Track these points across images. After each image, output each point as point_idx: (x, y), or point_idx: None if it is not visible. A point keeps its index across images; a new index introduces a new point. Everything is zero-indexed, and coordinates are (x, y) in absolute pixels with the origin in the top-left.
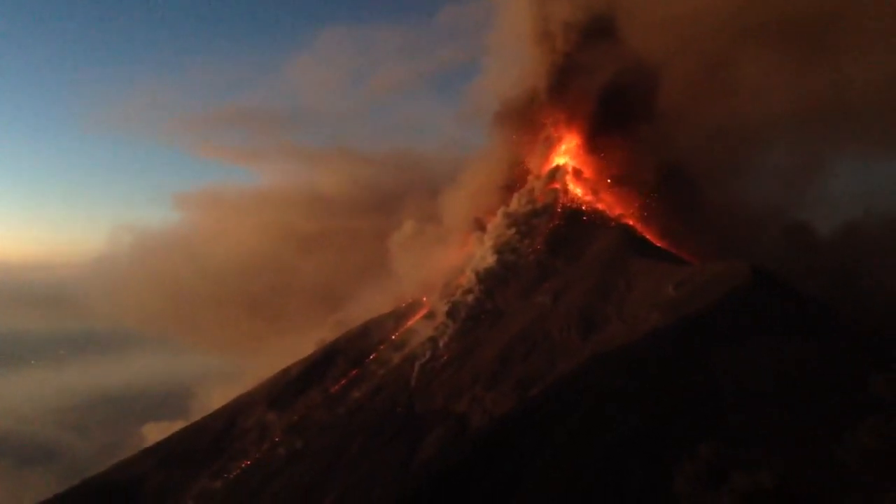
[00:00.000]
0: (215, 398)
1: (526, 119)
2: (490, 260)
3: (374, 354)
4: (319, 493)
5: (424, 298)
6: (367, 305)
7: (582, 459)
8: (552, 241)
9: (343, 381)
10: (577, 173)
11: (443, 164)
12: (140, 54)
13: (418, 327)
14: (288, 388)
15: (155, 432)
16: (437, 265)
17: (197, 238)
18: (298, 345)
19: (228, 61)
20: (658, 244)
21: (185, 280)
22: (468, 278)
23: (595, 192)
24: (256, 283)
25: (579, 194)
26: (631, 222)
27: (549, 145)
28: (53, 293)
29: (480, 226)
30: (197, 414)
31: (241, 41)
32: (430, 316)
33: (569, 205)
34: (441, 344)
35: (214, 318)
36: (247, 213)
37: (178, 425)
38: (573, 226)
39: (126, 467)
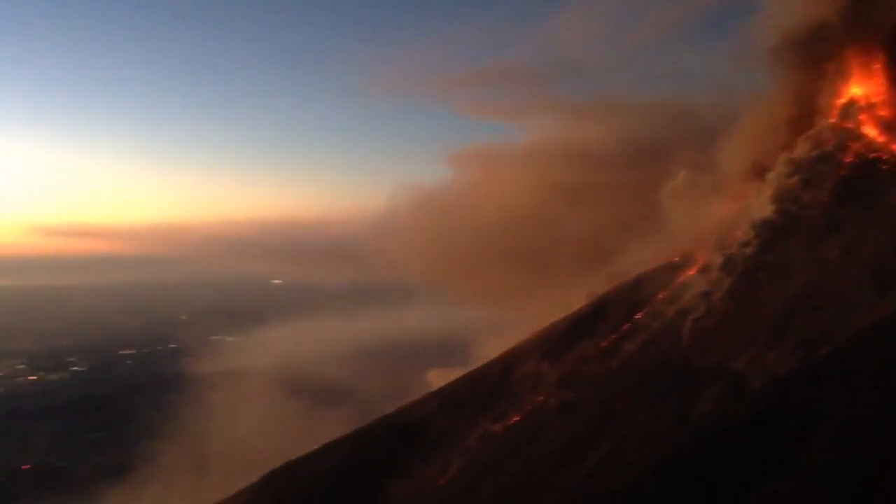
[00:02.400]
0: (490, 348)
1: (813, 52)
2: (769, 210)
3: (646, 308)
4: (591, 444)
5: (698, 251)
6: (638, 258)
7: (871, 428)
8: (841, 189)
9: (614, 335)
10: (874, 112)
11: (715, 110)
12: (407, 20)
13: (692, 281)
14: (559, 341)
15: (436, 378)
16: (711, 216)
17: (469, 194)
18: (566, 298)
19: (491, 20)
20: None
21: (459, 235)
22: (745, 230)
23: (893, 133)
24: (525, 237)
25: (874, 136)
26: None
27: (841, 81)
28: (342, 249)
29: (760, 171)
30: (474, 362)
31: None
32: (705, 270)
33: (862, 149)
34: (716, 298)
35: (487, 271)
36: (514, 169)
37: (457, 372)
38: (866, 172)
39: (412, 409)
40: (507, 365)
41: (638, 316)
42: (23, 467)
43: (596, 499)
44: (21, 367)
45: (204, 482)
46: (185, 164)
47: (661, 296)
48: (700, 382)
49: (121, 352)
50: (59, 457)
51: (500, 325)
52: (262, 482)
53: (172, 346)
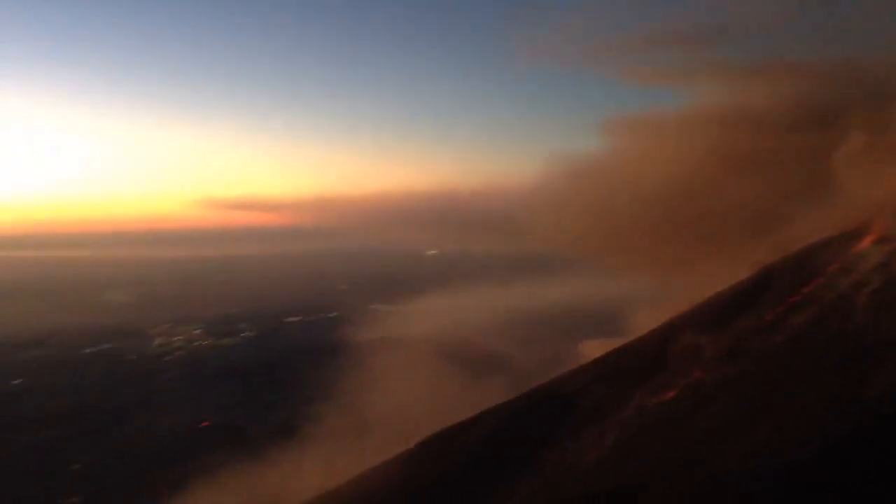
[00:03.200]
0: (645, 319)
1: None
2: None
3: (816, 280)
4: (755, 420)
5: (875, 220)
6: (807, 228)
7: None
8: None
9: (780, 308)
10: None
11: (891, 69)
12: None
13: (867, 252)
14: (721, 313)
15: (589, 349)
16: (889, 181)
17: (626, 162)
18: (728, 268)
19: None
20: None
21: (615, 205)
22: None
23: None
24: (685, 205)
25: None
26: None
27: None
28: (496, 219)
29: None
30: (629, 334)
31: None
32: (883, 239)
33: None
34: (895, 270)
35: (644, 241)
36: (674, 135)
37: (610, 344)
38: None
39: (566, 380)
40: (664, 337)
41: (807, 288)
42: (202, 424)
43: (755, 479)
44: (197, 331)
45: (365, 444)
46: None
47: (832, 267)
48: (874, 360)
49: (286, 319)
50: (234, 416)
51: (655, 297)
52: (419, 448)
53: (333, 314)
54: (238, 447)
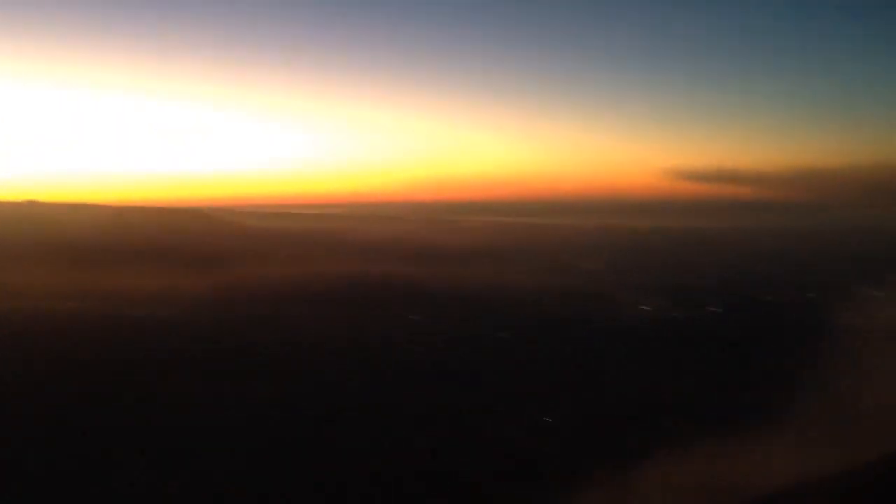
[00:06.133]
0: None
1: None
2: None
3: None
4: None
5: None
6: None
7: None
8: None
9: None
10: None
11: None
12: None
13: None
14: None
15: None
16: None
17: None
18: None
19: None
20: None
21: None
22: None
23: None
24: None
25: None
26: None
27: None
28: None
29: None
30: None
31: None
32: None
33: None
34: None
35: None
36: None
37: None
38: None
39: None
40: None
41: None
42: (660, 397)
43: None
44: (662, 302)
45: (851, 438)
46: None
47: None
48: None
49: (756, 296)
50: (695, 392)
51: None
52: None
53: (810, 294)
54: (696, 424)
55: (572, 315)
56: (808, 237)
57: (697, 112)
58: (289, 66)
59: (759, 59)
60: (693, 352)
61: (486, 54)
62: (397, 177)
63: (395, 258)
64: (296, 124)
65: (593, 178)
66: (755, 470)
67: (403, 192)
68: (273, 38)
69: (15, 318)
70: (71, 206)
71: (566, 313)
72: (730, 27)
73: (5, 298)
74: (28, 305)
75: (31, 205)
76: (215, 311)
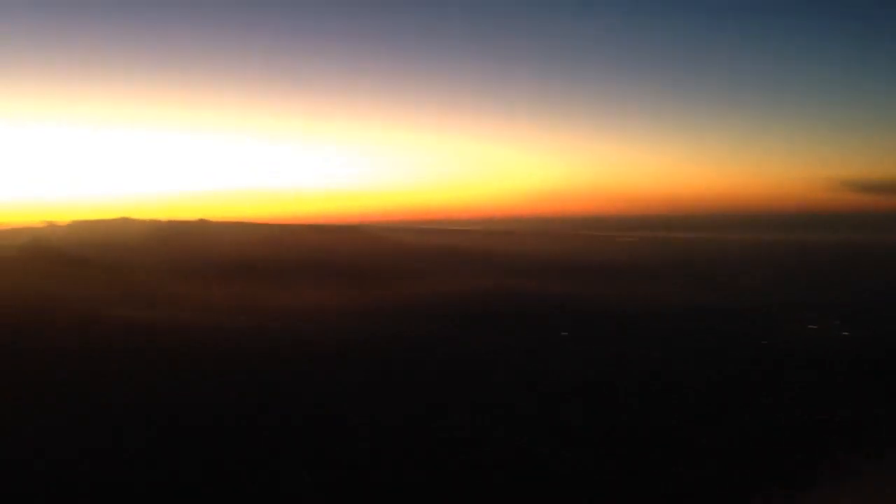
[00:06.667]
0: None
1: None
2: None
3: None
4: None
5: None
6: None
7: None
8: None
9: None
10: None
11: None
12: None
13: None
14: None
15: None
16: None
17: None
18: None
19: None
20: None
21: None
22: None
23: None
24: None
25: None
26: None
27: None
28: None
29: None
30: None
31: None
32: None
33: None
34: None
35: None
36: None
37: None
38: None
39: None
40: None
41: None
42: (825, 418)
43: None
44: (829, 320)
45: None
46: None
47: None
48: None
49: None
50: (864, 414)
51: None
52: None
53: None
54: (865, 447)
55: (724, 333)
56: None
57: (874, 119)
58: (418, 79)
59: None
60: (852, 372)
61: (632, 64)
62: (542, 189)
63: (560, 275)
64: (427, 140)
65: (754, 190)
66: None
67: (547, 205)
68: (400, 58)
69: (205, 330)
70: (236, 225)
71: (728, 332)
72: None
73: (189, 311)
74: (210, 318)
75: (202, 223)
76: (408, 327)
